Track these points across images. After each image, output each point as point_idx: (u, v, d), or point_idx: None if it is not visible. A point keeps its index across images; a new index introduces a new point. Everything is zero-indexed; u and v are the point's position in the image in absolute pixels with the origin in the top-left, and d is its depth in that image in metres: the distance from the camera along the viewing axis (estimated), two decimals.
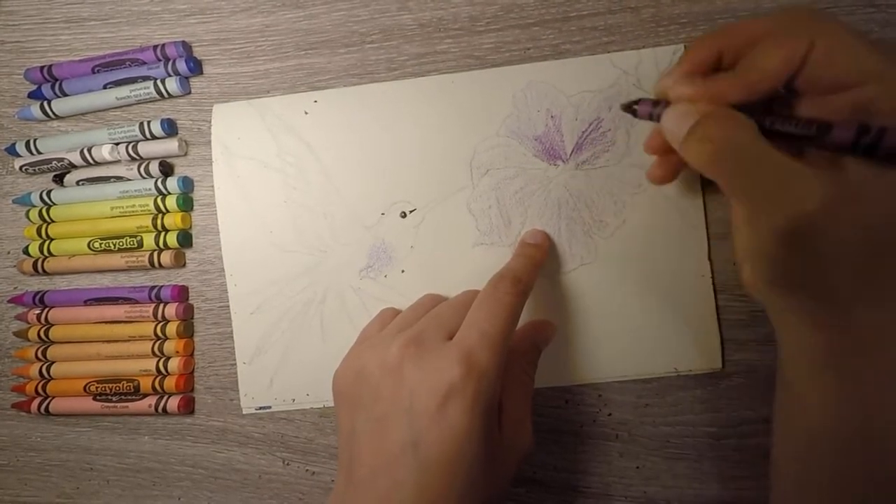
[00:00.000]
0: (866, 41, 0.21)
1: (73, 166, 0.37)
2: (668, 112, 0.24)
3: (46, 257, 0.37)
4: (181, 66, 0.35)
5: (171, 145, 0.35)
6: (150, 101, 0.36)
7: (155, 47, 0.35)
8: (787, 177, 0.20)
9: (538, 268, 0.31)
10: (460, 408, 0.23)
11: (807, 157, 0.23)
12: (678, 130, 0.23)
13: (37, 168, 0.37)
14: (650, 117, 0.26)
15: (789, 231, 0.21)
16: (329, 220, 0.34)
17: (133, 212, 0.36)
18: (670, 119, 0.24)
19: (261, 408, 0.35)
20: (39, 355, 0.36)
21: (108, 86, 0.36)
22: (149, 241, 0.35)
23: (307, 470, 0.35)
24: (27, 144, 0.37)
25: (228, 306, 0.35)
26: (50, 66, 0.37)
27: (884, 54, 0.21)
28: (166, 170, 0.36)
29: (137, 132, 0.35)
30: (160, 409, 0.35)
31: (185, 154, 0.36)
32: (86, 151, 0.36)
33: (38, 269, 0.37)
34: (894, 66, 0.20)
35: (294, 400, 0.35)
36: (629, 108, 0.27)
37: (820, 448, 0.24)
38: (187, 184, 0.36)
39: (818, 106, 0.22)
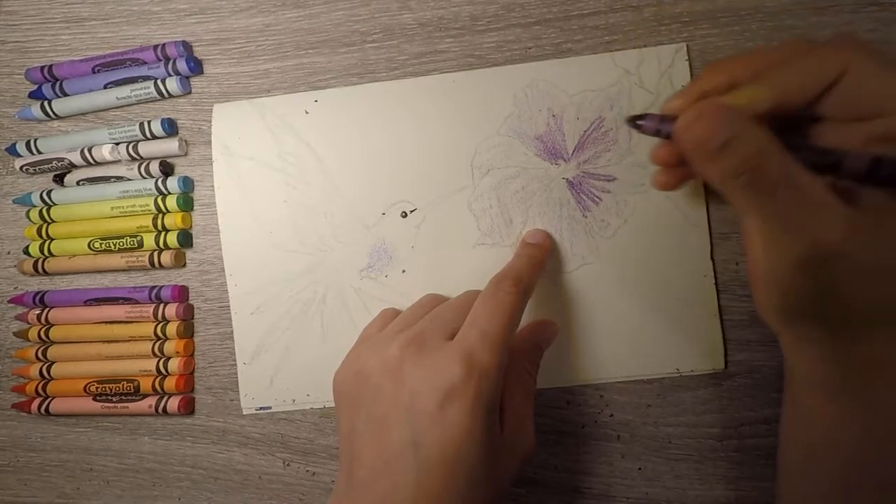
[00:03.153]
0: None
1: (73, 166, 0.37)
2: (688, 116, 0.21)
3: (47, 257, 0.37)
4: (181, 65, 0.35)
5: (171, 145, 0.35)
6: (151, 101, 0.36)
7: (155, 47, 0.35)
8: (814, 203, 0.19)
9: (540, 268, 0.31)
10: (461, 408, 0.23)
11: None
12: (705, 138, 0.21)
13: (37, 168, 0.37)
14: (657, 133, 0.24)
15: (810, 259, 0.20)
16: (329, 219, 0.34)
17: (133, 212, 0.35)
18: (694, 124, 0.21)
19: (261, 408, 0.35)
20: (39, 355, 0.36)
21: (109, 86, 0.36)
22: (149, 241, 0.35)
23: (307, 471, 0.35)
24: (27, 144, 0.37)
25: (228, 306, 0.35)
26: (50, 66, 0.37)
27: None
28: (167, 170, 0.36)
29: (138, 132, 0.35)
30: (160, 409, 0.35)
31: (186, 154, 0.36)
32: (86, 151, 0.36)
33: (38, 269, 0.36)
34: None
35: (294, 400, 0.35)
36: (633, 122, 0.25)
37: (825, 464, 0.24)
38: (187, 184, 0.36)
39: (840, 133, 0.21)
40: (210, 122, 0.35)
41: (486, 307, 0.26)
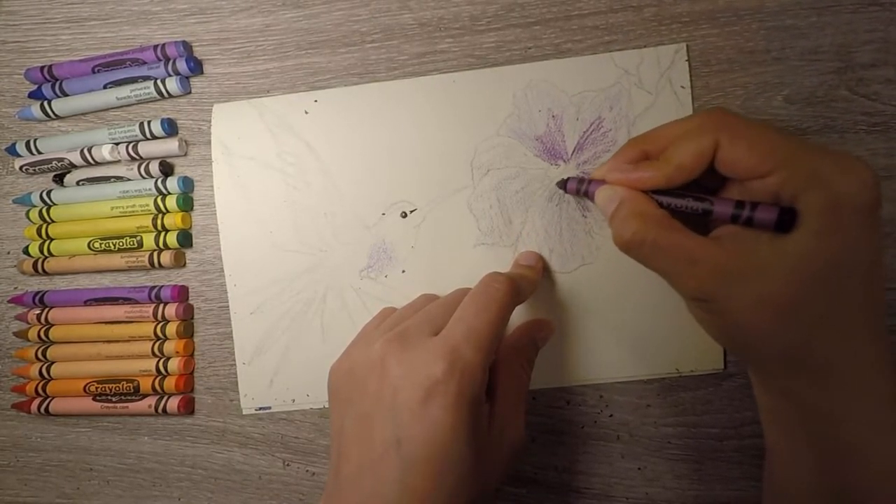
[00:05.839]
0: (770, 134, 0.22)
1: (73, 166, 0.37)
2: (599, 192, 0.26)
3: (46, 257, 0.37)
4: (181, 65, 0.35)
5: (171, 145, 0.35)
6: (151, 101, 0.36)
7: (155, 47, 0.35)
8: (683, 258, 0.22)
9: (532, 286, 0.30)
10: (443, 404, 0.23)
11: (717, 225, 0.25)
12: (605, 209, 0.26)
13: (37, 168, 0.37)
14: (577, 192, 0.30)
15: (696, 302, 0.23)
16: (329, 219, 0.34)
17: (133, 212, 0.35)
18: (600, 198, 0.26)
19: (261, 408, 0.35)
20: (39, 355, 0.36)
21: (109, 86, 0.36)
22: (149, 241, 0.35)
23: (307, 470, 0.35)
24: (27, 144, 0.37)
25: (228, 306, 0.35)
26: (50, 66, 0.37)
27: (787, 144, 0.22)
28: (166, 170, 0.36)
29: (138, 132, 0.35)
30: (160, 409, 0.35)
31: (186, 154, 0.36)
32: (86, 151, 0.36)
33: (38, 269, 0.36)
34: (796, 153, 0.22)
35: (294, 400, 0.35)
36: (562, 183, 0.31)
37: (787, 497, 0.25)
38: (187, 184, 0.36)
39: (742, 189, 0.23)
40: (210, 122, 0.35)
41: (475, 303, 0.26)
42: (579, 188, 0.29)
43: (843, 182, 0.20)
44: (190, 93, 0.36)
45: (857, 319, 0.21)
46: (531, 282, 0.30)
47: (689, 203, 0.24)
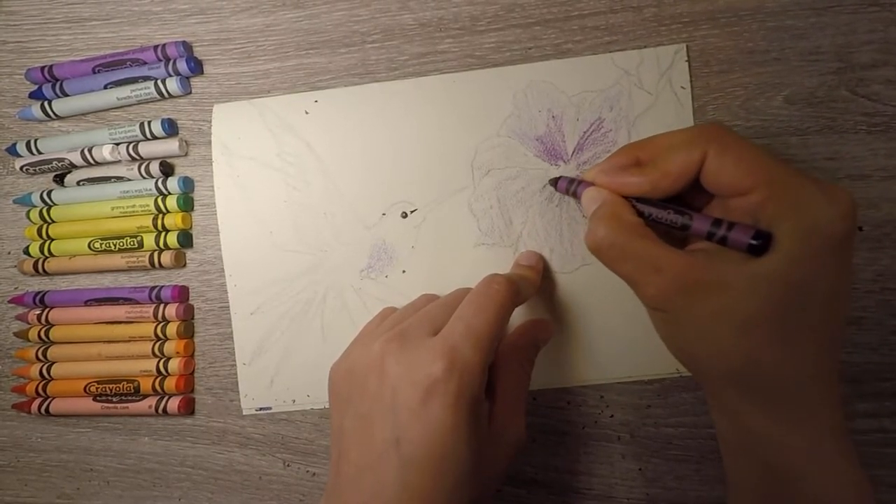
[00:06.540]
0: (757, 153, 0.22)
1: (73, 166, 0.37)
2: (584, 193, 0.27)
3: (47, 257, 0.37)
4: (182, 66, 0.35)
5: (171, 145, 0.35)
6: (151, 101, 0.36)
7: (156, 47, 0.35)
8: (647, 265, 0.22)
9: (533, 287, 0.30)
10: (443, 403, 0.23)
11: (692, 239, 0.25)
12: (587, 210, 0.26)
13: (37, 168, 0.37)
14: (567, 192, 0.30)
15: (652, 309, 0.24)
16: (329, 219, 0.34)
17: (133, 212, 0.35)
18: (584, 199, 0.26)
19: (261, 409, 0.35)
20: (40, 356, 0.36)
21: (109, 86, 0.36)
22: (149, 241, 0.35)
23: (307, 471, 0.35)
24: (28, 144, 0.37)
25: (229, 306, 0.35)
26: (51, 66, 0.37)
27: (774, 165, 0.22)
28: (167, 170, 0.36)
29: (138, 132, 0.35)
30: (160, 409, 0.35)
31: (186, 154, 0.36)
32: (86, 151, 0.36)
33: (38, 270, 0.36)
34: (779, 175, 0.21)
35: (294, 401, 0.35)
36: (553, 181, 0.31)
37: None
38: (188, 184, 0.36)
39: (724, 208, 0.23)
40: (210, 122, 0.35)
41: (475, 302, 0.26)
42: (569, 188, 0.29)
43: (824, 210, 0.20)
44: (190, 93, 0.36)
45: (809, 349, 0.21)
46: (531, 282, 0.30)
47: (670, 215, 0.24)
